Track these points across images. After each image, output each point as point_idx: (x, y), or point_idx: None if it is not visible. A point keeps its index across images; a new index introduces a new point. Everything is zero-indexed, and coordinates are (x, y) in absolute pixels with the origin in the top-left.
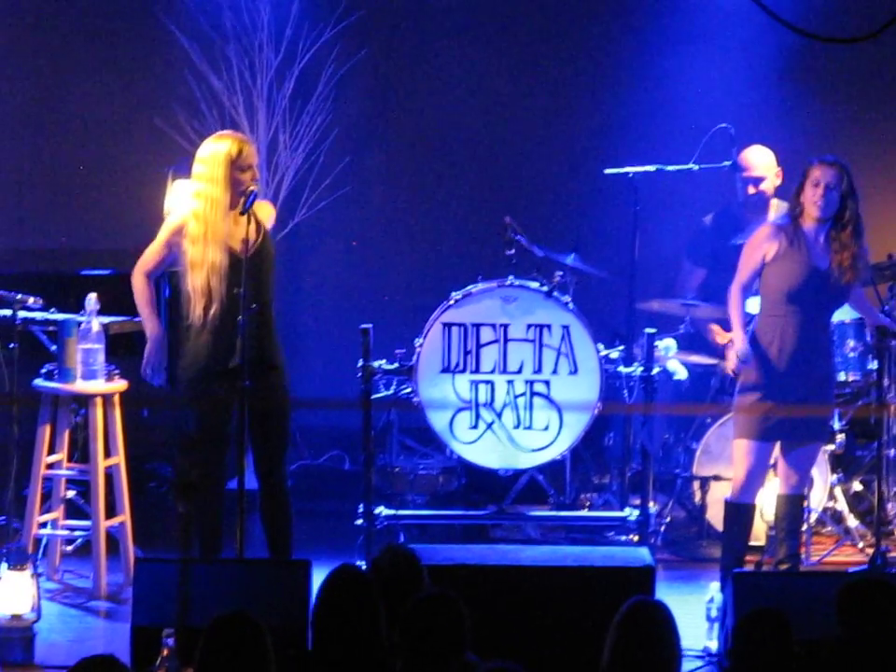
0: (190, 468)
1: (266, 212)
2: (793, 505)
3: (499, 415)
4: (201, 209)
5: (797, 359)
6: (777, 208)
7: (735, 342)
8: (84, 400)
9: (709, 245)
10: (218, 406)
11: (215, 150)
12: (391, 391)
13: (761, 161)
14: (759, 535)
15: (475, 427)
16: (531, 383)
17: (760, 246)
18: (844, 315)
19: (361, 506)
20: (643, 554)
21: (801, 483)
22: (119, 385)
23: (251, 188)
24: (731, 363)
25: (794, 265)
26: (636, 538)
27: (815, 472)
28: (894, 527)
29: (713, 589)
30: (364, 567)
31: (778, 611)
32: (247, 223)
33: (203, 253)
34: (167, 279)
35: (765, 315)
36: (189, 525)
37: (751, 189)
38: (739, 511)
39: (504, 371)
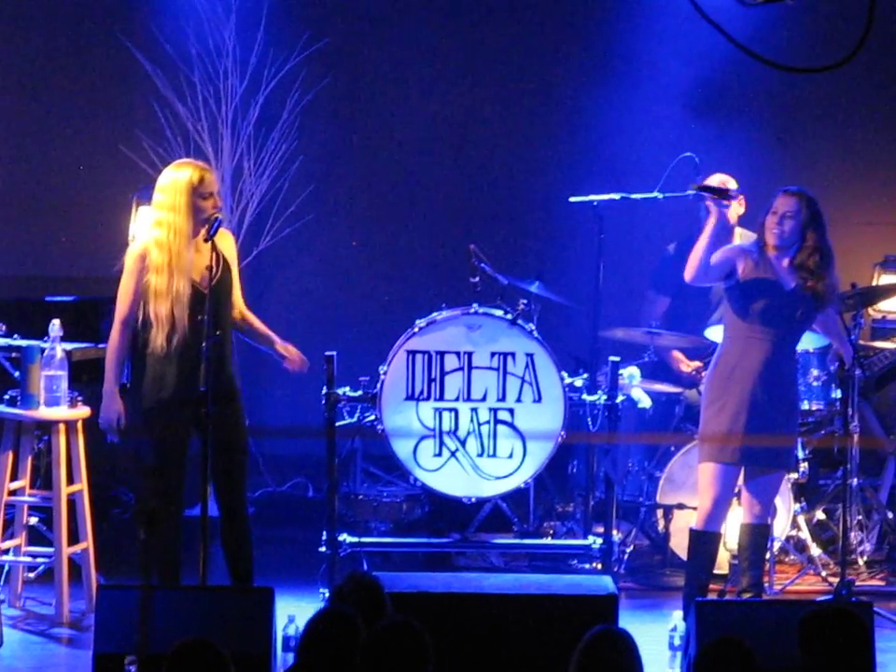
0: (152, 495)
1: (227, 241)
2: (757, 534)
3: (463, 443)
4: (163, 237)
5: (762, 386)
6: (740, 236)
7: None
8: (47, 427)
9: (673, 274)
10: (179, 434)
11: (175, 178)
12: (355, 419)
13: None
14: (722, 563)
15: (439, 454)
16: (495, 411)
17: (733, 251)
18: (808, 344)
19: (325, 533)
20: (606, 583)
21: (764, 512)
22: (83, 411)
23: (215, 215)
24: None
25: (760, 286)
26: (599, 566)
27: (778, 501)
28: (857, 556)
29: (676, 617)
30: (327, 596)
31: (741, 640)
32: (211, 251)
33: (167, 282)
34: None
35: (730, 340)
36: (151, 552)
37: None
38: (704, 540)
39: (468, 399)
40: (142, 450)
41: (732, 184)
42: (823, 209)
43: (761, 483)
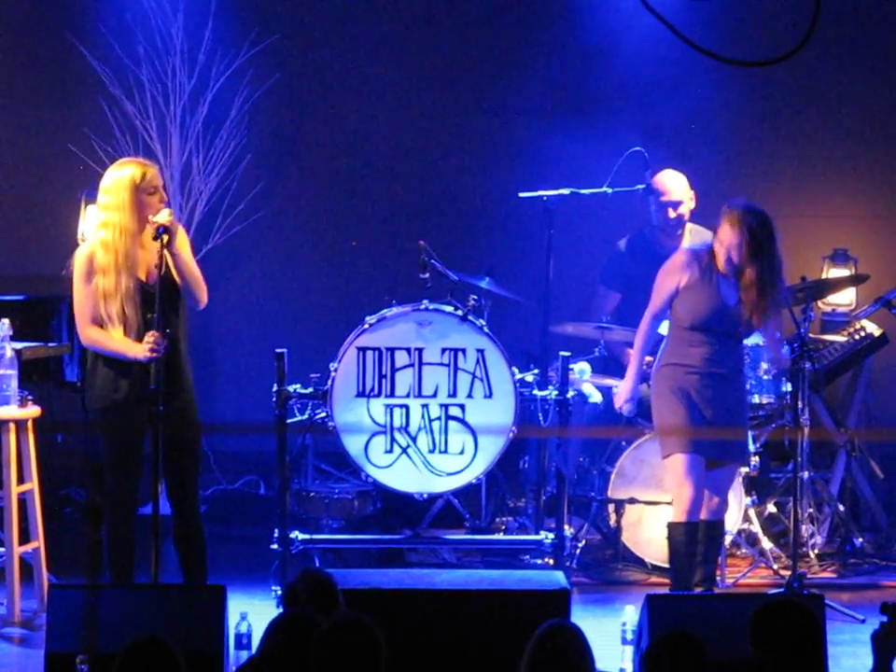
0: (100, 493)
1: (180, 239)
2: (712, 529)
3: (414, 439)
4: (109, 238)
5: (706, 382)
6: (691, 232)
7: (623, 385)
8: None
9: (623, 270)
10: (133, 431)
11: (117, 177)
12: (306, 416)
13: (676, 186)
14: None
15: (390, 451)
16: (446, 406)
17: (674, 273)
18: (758, 338)
19: (276, 531)
20: (558, 578)
21: (720, 507)
22: (33, 410)
23: (158, 223)
24: (618, 402)
25: (703, 298)
26: (551, 561)
27: (730, 495)
28: (808, 549)
29: (628, 612)
30: (280, 593)
31: (691, 633)
32: (160, 248)
33: (115, 281)
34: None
35: (674, 339)
36: (99, 550)
37: (671, 213)
38: (687, 531)
39: (419, 395)
40: (93, 448)
41: (683, 180)
42: (772, 228)
43: (714, 477)
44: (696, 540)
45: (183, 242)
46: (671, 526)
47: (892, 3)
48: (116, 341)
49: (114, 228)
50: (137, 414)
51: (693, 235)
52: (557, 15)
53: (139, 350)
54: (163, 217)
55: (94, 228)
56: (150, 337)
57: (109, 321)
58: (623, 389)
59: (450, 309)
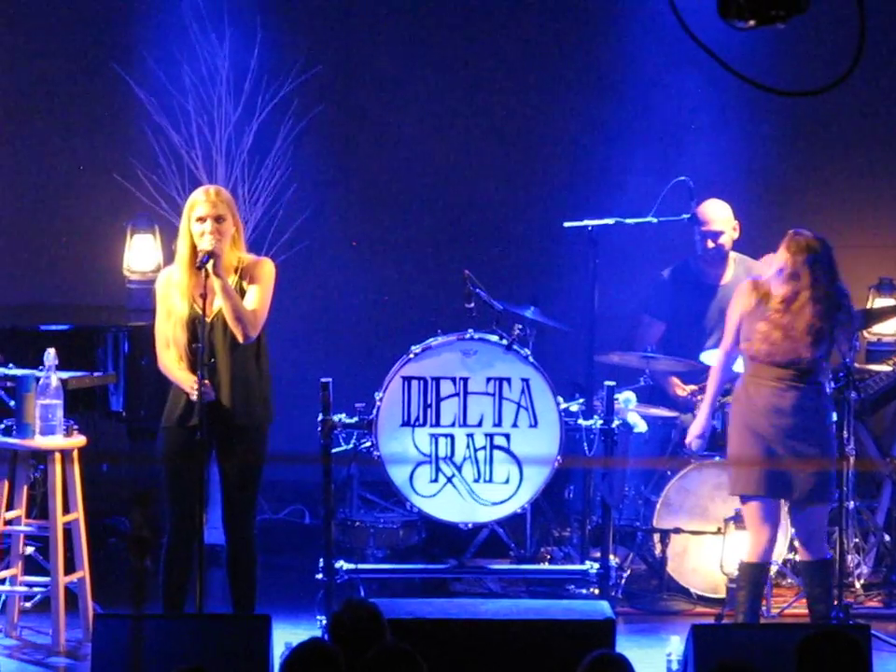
0: (145, 523)
1: (262, 269)
2: (813, 569)
3: (459, 469)
4: (175, 263)
5: (776, 420)
6: (735, 262)
7: (695, 423)
8: (43, 456)
9: (668, 299)
10: (185, 460)
11: (186, 204)
12: (351, 445)
13: (718, 215)
14: (719, 588)
15: (435, 480)
16: (491, 436)
17: (736, 304)
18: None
19: (322, 560)
20: (603, 607)
21: (813, 546)
22: (78, 440)
23: (204, 251)
24: (689, 437)
25: (761, 326)
26: (596, 591)
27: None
28: (854, 579)
29: (673, 642)
30: (325, 623)
31: (745, 662)
32: (205, 278)
33: (171, 305)
34: (127, 334)
35: (744, 375)
36: (144, 580)
37: (710, 244)
38: (754, 571)
39: (464, 425)
40: (139, 477)
41: (727, 209)
42: (830, 251)
43: (801, 517)
44: (760, 582)
45: (264, 271)
46: (739, 565)
47: None
48: (176, 371)
49: (178, 253)
50: (193, 440)
51: (736, 265)
52: (601, 44)
53: (188, 386)
54: (206, 243)
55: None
56: (195, 383)
57: (169, 344)
58: (694, 425)
59: (495, 338)
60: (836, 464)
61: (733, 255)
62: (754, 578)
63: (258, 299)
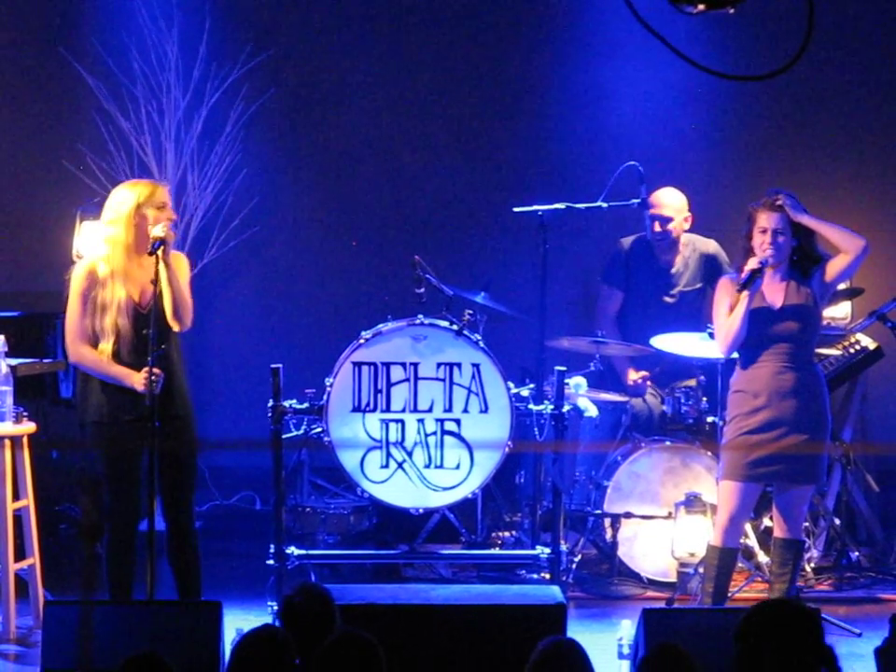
0: (95, 509)
1: (178, 263)
2: (783, 548)
3: (410, 454)
4: (108, 252)
5: (779, 403)
6: (686, 245)
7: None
8: None
9: (625, 268)
10: (128, 446)
11: (122, 195)
12: (302, 431)
13: (667, 201)
14: (670, 572)
15: (386, 466)
16: (442, 421)
17: (722, 300)
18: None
19: (272, 546)
20: (555, 592)
21: (791, 527)
22: (28, 426)
23: (157, 236)
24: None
25: (750, 315)
26: (547, 575)
27: None
28: (805, 563)
29: (624, 626)
30: (276, 608)
31: (678, 646)
32: (155, 265)
33: (111, 293)
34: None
35: (740, 362)
36: (95, 567)
37: (657, 227)
38: (722, 556)
39: (414, 410)
40: (88, 464)
41: (680, 198)
42: (797, 199)
43: (784, 498)
44: (729, 566)
45: (181, 265)
46: (707, 548)
47: None
48: (113, 367)
49: (113, 243)
50: (132, 429)
51: (687, 248)
52: (551, 27)
53: (137, 380)
54: (159, 230)
55: (97, 243)
56: (147, 373)
57: (102, 335)
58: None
59: (445, 324)
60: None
61: (686, 237)
62: (725, 562)
63: (186, 290)
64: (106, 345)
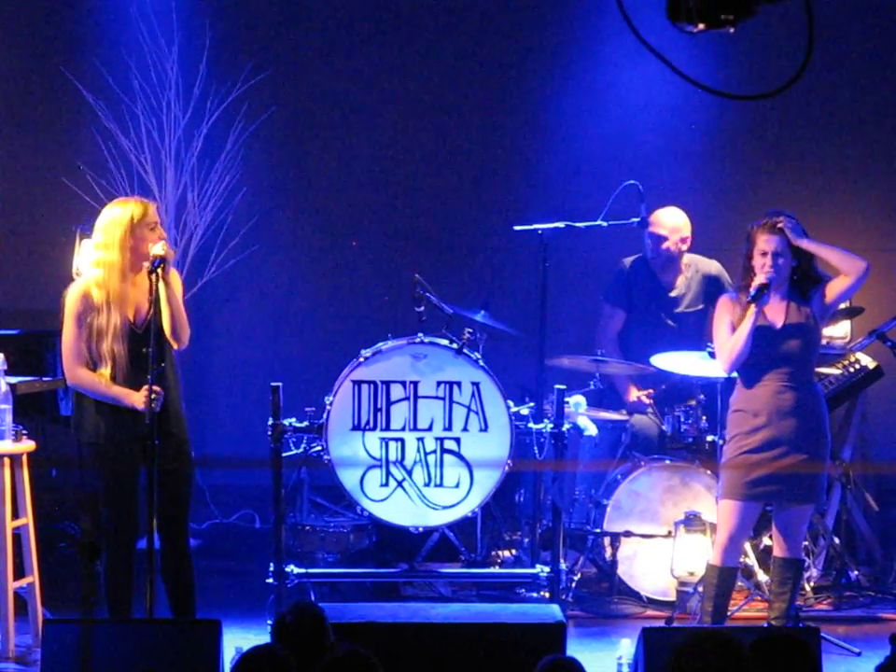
0: (94, 528)
1: (174, 280)
2: (783, 568)
3: (410, 473)
4: (102, 276)
5: (780, 422)
6: (688, 266)
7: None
8: None
9: (627, 288)
10: (126, 465)
11: (113, 216)
12: (301, 449)
13: (666, 220)
14: (669, 591)
15: (386, 484)
16: (441, 440)
17: (723, 319)
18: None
19: (272, 565)
20: (554, 611)
21: (791, 546)
22: (27, 445)
23: (157, 255)
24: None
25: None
26: (547, 594)
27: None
28: (804, 582)
29: (624, 645)
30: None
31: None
32: (154, 283)
33: (106, 319)
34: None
35: (740, 382)
36: (94, 585)
37: (652, 245)
38: (722, 575)
39: (414, 429)
40: (87, 482)
41: (680, 218)
42: (796, 221)
43: (784, 517)
44: (729, 585)
45: (176, 281)
46: (706, 567)
47: None
48: (112, 388)
49: (107, 266)
50: (130, 448)
51: (689, 269)
52: (556, 48)
53: (137, 399)
54: (159, 248)
55: (88, 266)
56: (147, 391)
57: (100, 360)
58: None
59: (445, 342)
60: (829, 467)
61: (687, 257)
62: (724, 581)
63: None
64: (105, 370)
